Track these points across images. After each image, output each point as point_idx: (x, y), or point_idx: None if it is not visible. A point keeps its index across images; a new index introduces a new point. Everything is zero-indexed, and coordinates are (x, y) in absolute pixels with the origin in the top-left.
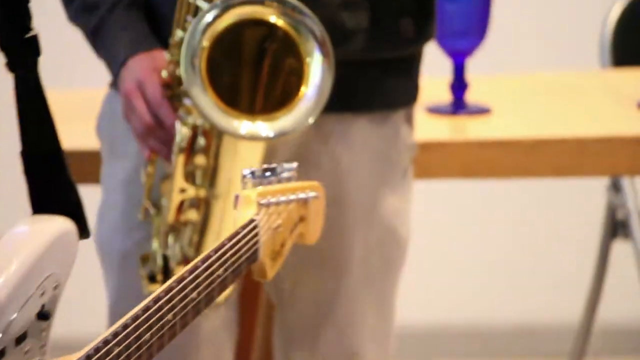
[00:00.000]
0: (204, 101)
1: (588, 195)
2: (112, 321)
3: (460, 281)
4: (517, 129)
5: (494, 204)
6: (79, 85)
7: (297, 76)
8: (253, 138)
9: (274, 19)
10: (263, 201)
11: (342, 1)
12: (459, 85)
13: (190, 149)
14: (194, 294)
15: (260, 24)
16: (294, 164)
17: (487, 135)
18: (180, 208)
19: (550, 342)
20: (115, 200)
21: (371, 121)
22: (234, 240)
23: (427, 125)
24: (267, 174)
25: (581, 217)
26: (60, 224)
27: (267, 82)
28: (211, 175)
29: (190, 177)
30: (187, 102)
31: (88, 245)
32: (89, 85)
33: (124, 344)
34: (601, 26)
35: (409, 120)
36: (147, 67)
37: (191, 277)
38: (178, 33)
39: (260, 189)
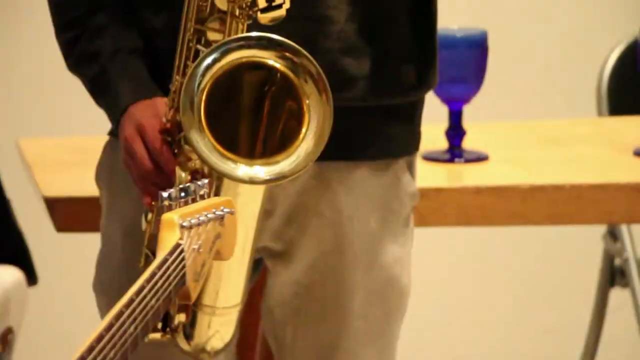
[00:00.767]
0: (203, 144)
1: (585, 243)
2: None
3: (457, 329)
4: (513, 175)
5: (490, 251)
6: (78, 133)
7: (297, 119)
8: (252, 181)
9: (273, 61)
10: (185, 223)
11: (344, 47)
12: (455, 133)
13: None
14: (132, 328)
15: (259, 67)
16: (206, 180)
17: (483, 182)
18: None
19: None
20: (115, 249)
21: (373, 169)
22: (163, 268)
23: (423, 173)
24: (183, 194)
25: (578, 264)
26: (9, 275)
27: (267, 125)
28: None
29: None
30: (187, 148)
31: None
32: (88, 133)
33: None
34: (598, 74)
35: (411, 168)
36: (147, 114)
37: (128, 311)
38: (178, 79)
39: (180, 210)
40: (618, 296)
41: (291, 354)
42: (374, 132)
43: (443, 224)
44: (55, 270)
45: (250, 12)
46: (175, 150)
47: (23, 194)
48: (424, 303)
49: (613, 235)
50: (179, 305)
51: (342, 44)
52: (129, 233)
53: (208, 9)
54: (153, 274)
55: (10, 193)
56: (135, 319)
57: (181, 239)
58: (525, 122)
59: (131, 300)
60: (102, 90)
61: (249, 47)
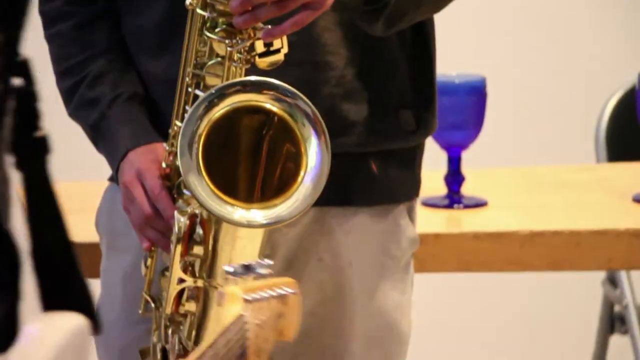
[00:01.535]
0: (201, 188)
1: (584, 289)
2: None
3: None
4: (512, 221)
5: (489, 297)
6: (77, 178)
7: (295, 162)
8: (249, 225)
9: (270, 105)
10: (248, 297)
11: (343, 92)
12: (454, 179)
13: (188, 239)
14: None
15: (256, 110)
16: (271, 261)
17: (482, 228)
18: (179, 299)
19: None
20: (115, 294)
21: (372, 215)
22: (225, 338)
23: (422, 218)
24: (246, 270)
25: (578, 311)
26: (73, 322)
27: (265, 168)
28: (209, 265)
29: (188, 267)
30: (186, 192)
31: None
32: (87, 179)
33: None
34: (596, 121)
35: (411, 213)
36: (146, 159)
37: None
38: (177, 123)
39: (245, 284)
40: (618, 343)
41: None
42: (373, 177)
43: (442, 270)
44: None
45: (249, 57)
46: (175, 195)
47: (21, 240)
48: (423, 349)
49: (612, 281)
50: None
51: (340, 89)
52: (129, 278)
53: (207, 54)
54: (215, 342)
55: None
56: None
57: (244, 312)
58: (523, 168)
59: None
60: (102, 136)
61: (246, 91)
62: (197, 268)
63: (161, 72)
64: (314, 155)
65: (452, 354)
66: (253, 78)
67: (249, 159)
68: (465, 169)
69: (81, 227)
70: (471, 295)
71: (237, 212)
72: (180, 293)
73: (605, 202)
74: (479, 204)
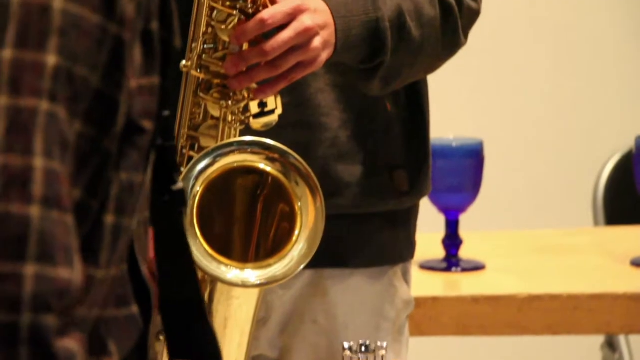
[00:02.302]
0: (195, 248)
1: (583, 353)
2: None
3: None
4: (510, 285)
5: None
6: None
7: (289, 221)
8: (244, 285)
9: (264, 165)
10: None
11: (337, 154)
12: (452, 242)
13: None
14: None
15: (250, 171)
16: (385, 343)
17: (480, 291)
18: None
19: None
20: None
21: (367, 276)
22: None
23: (420, 281)
24: (364, 349)
25: None
26: None
27: (259, 228)
28: None
29: None
30: None
31: None
32: None
33: None
34: (594, 184)
35: (406, 275)
36: None
37: None
38: None
39: None
40: None
41: None
42: (367, 239)
43: (440, 334)
44: None
45: (243, 118)
46: None
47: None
48: None
49: (611, 345)
50: None
51: (334, 150)
52: None
53: (201, 116)
54: None
55: None
56: None
57: None
58: (521, 232)
59: None
60: None
61: (240, 151)
62: None
63: None
64: (309, 214)
65: None
66: (247, 138)
67: (244, 219)
68: (463, 231)
69: None
70: (469, 359)
71: (232, 272)
72: None
73: (603, 266)
74: (477, 267)
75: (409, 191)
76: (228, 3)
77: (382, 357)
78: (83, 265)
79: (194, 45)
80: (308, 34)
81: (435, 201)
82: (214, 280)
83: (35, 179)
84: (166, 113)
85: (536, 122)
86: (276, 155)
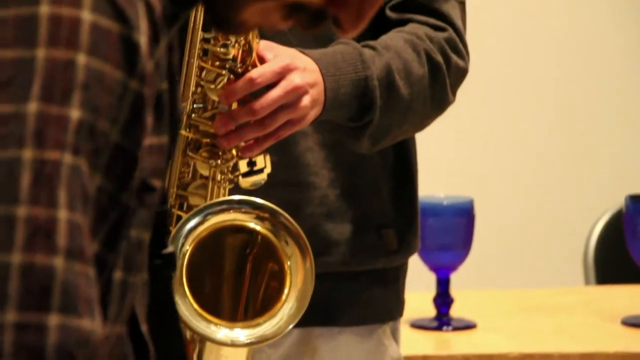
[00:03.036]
0: (184, 307)
1: None
2: None
3: None
4: (502, 344)
5: None
6: None
7: (278, 280)
8: (233, 344)
9: (253, 224)
10: None
11: (325, 212)
12: (443, 300)
13: None
14: None
15: (240, 230)
16: None
17: (471, 350)
18: None
19: None
20: None
21: (356, 334)
22: None
23: (411, 340)
24: None
25: None
26: None
27: (248, 287)
28: None
29: None
30: None
31: None
32: None
33: None
34: (584, 243)
35: (395, 333)
36: None
37: None
38: None
39: None
40: None
41: None
42: (356, 297)
43: None
44: None
45: (232, 177)
46: None
47: None
48: None
49: None
50: None
51: (323, 209)
52: None
53: (190, 175)
54: None
55: None
56: None
57: None
58: (512, 290)
59: None
60: None
61: (230, 210)
62: None
63: None
64: (298, 274)
65: None
66: (237, 197)
67: (233, 278)
68: (454, 290)
69: None
70: None
71: (221, 331)
72: None
73: (594, 325)
74: (468, 326)
75: (397, 249)
76: (217, 63)
77: None
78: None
79: (183, 104)
80: (297, 93)
81: (426, 259)
82: (203, 339)
83: (59, 231)
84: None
85: (526, 180)
86: (266, 215)
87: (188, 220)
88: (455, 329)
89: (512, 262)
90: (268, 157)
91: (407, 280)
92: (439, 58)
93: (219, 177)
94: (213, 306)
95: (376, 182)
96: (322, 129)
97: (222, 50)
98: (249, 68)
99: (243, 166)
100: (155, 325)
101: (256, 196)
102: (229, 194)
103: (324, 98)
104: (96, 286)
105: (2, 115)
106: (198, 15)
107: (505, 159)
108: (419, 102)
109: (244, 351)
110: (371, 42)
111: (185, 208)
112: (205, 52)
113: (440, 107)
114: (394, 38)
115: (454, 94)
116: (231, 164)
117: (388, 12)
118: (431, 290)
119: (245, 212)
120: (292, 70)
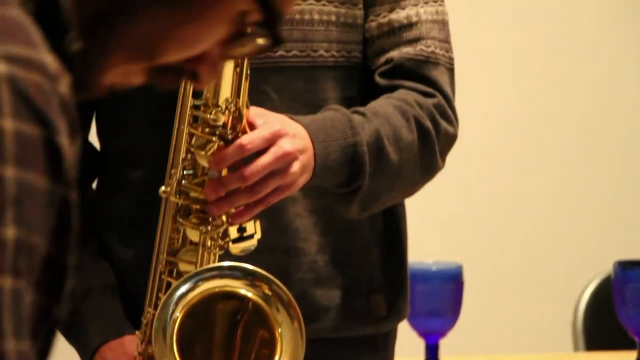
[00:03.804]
0: None
1: None
2: None
3: None
4: None
5: None
6: None
7: (269, 347)
8: None
9: (244, 290)
10: None
11: (314, 278)
12: None
13: None
14: None
15: (231, 296)
16: None
17: None
18: None
19: None
20: None
21: None
22: None
23: None
24: None
25: None
26: None
27: (239, 354)
28: None
29: None
30: None
31: None
32: None
33: None
34: (573, 310)
35: None
36: (118, 353)
37: None
38: (150, 311)
39: None
40: None
41: None
42: None
43: None
44: None
45: (222, 243)
46: None
47: None
48: None
49: None
50: None
51: (312, 275)
52: None
53: (180, 241)
54: None
55: None
56: None
57: None
58: (502, 356)
59: None
60: (74, 330)
61: (221, 276)
62: None
63: (133, 259)
64: (289, 341)
65: None
66: (227, 264)
67: (224, 344)
68: (444, 356)
69: None
70: None
71: None
72: None
73: None
74: None
75: (387, 315)
76: (207, 130)
77: None
78: None
79: (173, 171)
80: (287, 159)
81: (415, 325)
82: None
83: None
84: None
85: (515, 246)
86: (257, 281)
87: (178, 286)
88: None
89: (501, 328)
90: (258, 223)
91: (396, 346)
92: (428, 124)
93: (209, 243)
94: None
95: (365, 248)
96: (312, 195)
97: (212, 117)
98: (239, 134)
99: (233, 232)
100: None
101: (245, 262)
102: (219, 260)
103: (313, 164)
104: None
105: None
106: (188, 83)
107: (494, 225)
108: (409, 168)
109: None
110: (360, 108)
111: (175, 274)
112: (195, 119)
113: (430, 173)
114: (383, 104)
115: (443, 159)
116: (221, 230)
117: (377, 79)
118: (420, 357)
119: (236, 279)
120: (282, 136)
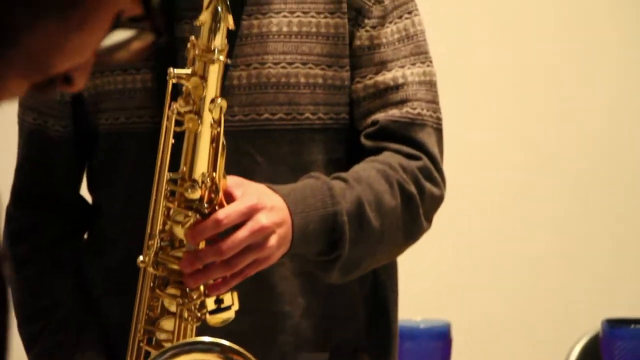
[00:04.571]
0: None
1: None
2: None
3: None
4: None
5: None
6: None
7: None
8: None
9: None
10: None
11: (299, 341)
12: None
13: None
14: None
15: None
16: None
17: None
18: None
19: None
20: None
21: None
22: None
23: None
24: None
25: None
26: None
27: None
28: None
29: None
30: None
31: None
32: None
33: None
34: None
35: None
36: None
37: None
38: None
39: None
40: None
41: None
42: None
43: None
44: None
45: (199, 315)
46: None
47: None
48: None
49: None
50: None
51: (296, 338)
52: None
53: (158, 310)
54: None
55: None
56: None
57: None
58: None
59: None
60: None
61: (200, 350)
62: None
63: (118, 316)
64: None
65: None
66: (206, 339)
67: None
68: None
69: None
70: None
71: None
72: None
73: None
74: None
75: None
76: (184, 204)
77: None
78: None
79: (150, 242)
80: (264, 233)
81: None
82: None
83: None
84: None
85: (502, 304)
86: (234, 357)
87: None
88: None
89: None
90: (235, 295)
91: None
92: (412, 189)
93: (186, 314)
94: None
95: (353, 308)
96: (298, 258)
97: (188, 191)
98: (216, 208)
99: (210, 304)
100: None
101: (230, 323)
102: (197, 330)
103: (291, 236)
104: None
105: None
106: (165, 156)
107: (482, 283)
108: (391, 233)
109: None
110: (343, 174)
111: (153, 343)
112: (172, 193)
113: (414, 236)
114: (366, 169)
115: (430, 220)
116: (198, 301)
117: (363, 140)
118: None
119: (212, 353)
120: (258, 210)
